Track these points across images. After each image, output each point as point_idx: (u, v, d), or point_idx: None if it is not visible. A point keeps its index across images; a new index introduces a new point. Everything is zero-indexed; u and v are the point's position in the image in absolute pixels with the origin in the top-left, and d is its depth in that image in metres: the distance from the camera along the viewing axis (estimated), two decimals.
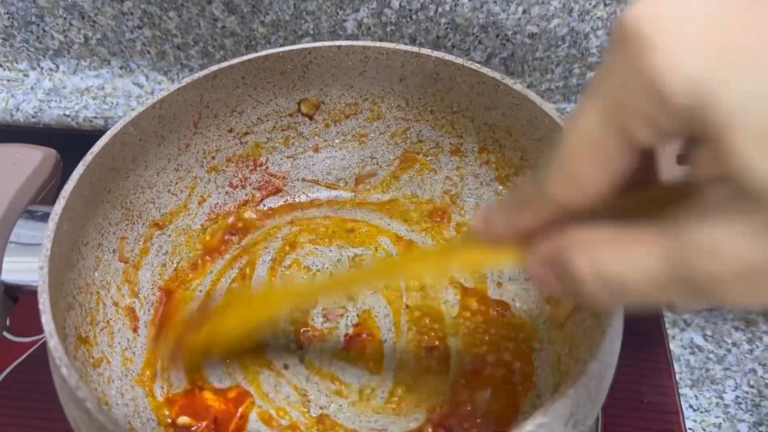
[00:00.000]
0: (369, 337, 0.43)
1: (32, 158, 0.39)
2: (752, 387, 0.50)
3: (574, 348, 0.39)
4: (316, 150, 0.50)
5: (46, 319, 0.31)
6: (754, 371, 0.51)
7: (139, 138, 0.42)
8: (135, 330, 0.42)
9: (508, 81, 0.41)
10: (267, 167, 0.50)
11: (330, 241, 0.48)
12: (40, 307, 0.31)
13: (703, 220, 0.18)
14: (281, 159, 0.50)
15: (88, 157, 0.38)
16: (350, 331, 0.43)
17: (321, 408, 0.40)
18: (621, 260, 0.19)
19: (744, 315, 0.55)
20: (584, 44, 0.60)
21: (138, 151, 0.43)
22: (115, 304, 0.42)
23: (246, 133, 0.48)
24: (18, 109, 0.66)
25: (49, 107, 0.66)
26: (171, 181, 0.46)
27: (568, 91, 0.64)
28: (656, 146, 0.19)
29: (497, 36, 0.60)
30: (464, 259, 0.27)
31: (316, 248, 0.48)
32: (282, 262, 0.47)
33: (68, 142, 0.46)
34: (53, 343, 0.30)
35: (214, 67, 0.43)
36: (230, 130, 0.47)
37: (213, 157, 0.48)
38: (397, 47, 0.44)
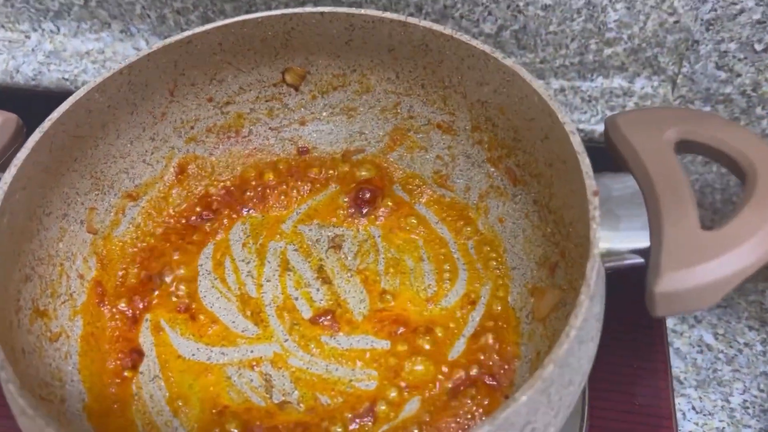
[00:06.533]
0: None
1: None
2: (762, 391, 0.47)
3: (553, 345, 0.36)
4: (303, 123, 0.48)
5: None
6: (766, 374, 0.48)
7: (108, 105, 0.40)
8: (100, 304, 0.41)
9: (498, 55, 0.38)
10: (250, 139, 0.47)
11: (311, 220, 0.46)
12: None
13: None
14: (265, 131, 0.47)
15: (46, 123, 0.36)
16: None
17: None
18: None
19: (760, 314, 0.51)
20: (601, 18, 0.56)
21: (107, 118, 0.41)
22: (81, 276, 0.41)
23: (227, 103, 0.46)
24: (18, 71, 0.65)
25: (49, 70, 0.65)
26: (146, 151, 0.44)
27: (584, 68, 0.60)
28: None
29: (508, 7, 0.56)
30: None
31: (296, 228, 0.45)
32: (258, 241, 0.45)
33: None
34: None
35: (187, 32, 0.41)
36: (210, 99, 0.45)
37: (192, 127, 0.46)
38: (382, 15, 0.41)
